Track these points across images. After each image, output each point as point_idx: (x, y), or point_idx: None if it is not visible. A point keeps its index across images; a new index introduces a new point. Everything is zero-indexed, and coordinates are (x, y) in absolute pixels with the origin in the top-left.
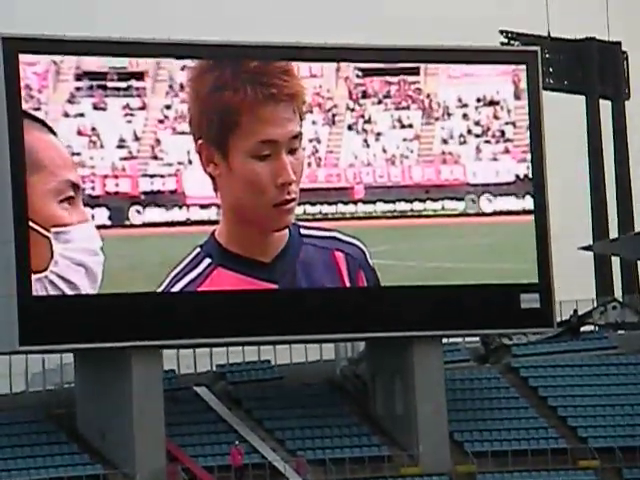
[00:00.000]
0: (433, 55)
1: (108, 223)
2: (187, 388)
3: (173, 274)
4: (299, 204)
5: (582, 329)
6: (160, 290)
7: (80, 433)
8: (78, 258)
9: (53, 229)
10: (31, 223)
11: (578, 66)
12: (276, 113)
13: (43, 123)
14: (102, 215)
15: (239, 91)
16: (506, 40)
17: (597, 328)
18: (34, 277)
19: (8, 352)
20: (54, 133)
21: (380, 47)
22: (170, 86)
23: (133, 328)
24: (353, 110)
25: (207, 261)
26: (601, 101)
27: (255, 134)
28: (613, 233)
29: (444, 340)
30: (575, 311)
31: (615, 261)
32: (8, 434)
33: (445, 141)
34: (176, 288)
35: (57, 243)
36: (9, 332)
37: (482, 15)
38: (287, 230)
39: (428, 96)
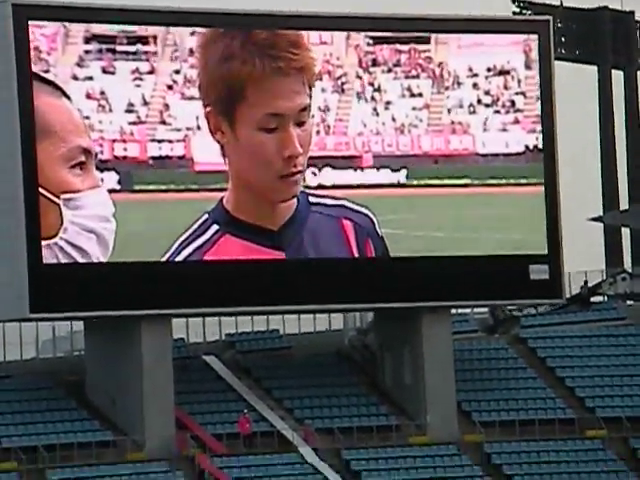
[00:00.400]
0: (444, 25)
1: (117, 187)
2: (196, 357)
3: (180, 240)
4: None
5: (592, 300)
6: (167, 257)
7: (90, 400)
8: (89, 225)
9: (63, 195)
10: (40, 189)
11: (590, 36)
12: (284, 86)
13: (56, 86)
14: (110, 179)
15: (247, 63)
16: (518, 9)
17: (606, 299)
18: (43, 243)
19: (19, 319)
20: (68, 97)
21: (390, 16)
22: (179, 51)
23: (143, 296)
24: (363, 78)
25: (214, 228)
26: (613, 71)
27: (262, 106)
28: (623, 204)
29: (452, 311)
30: (586, 282)
31: (625, 232)
32: (19, 400)
33: (455, 111)
34: (183, 254)
35: (67, 209)
36: (20, 299)
37: None
38: (295, 199)
39: (439, 65)
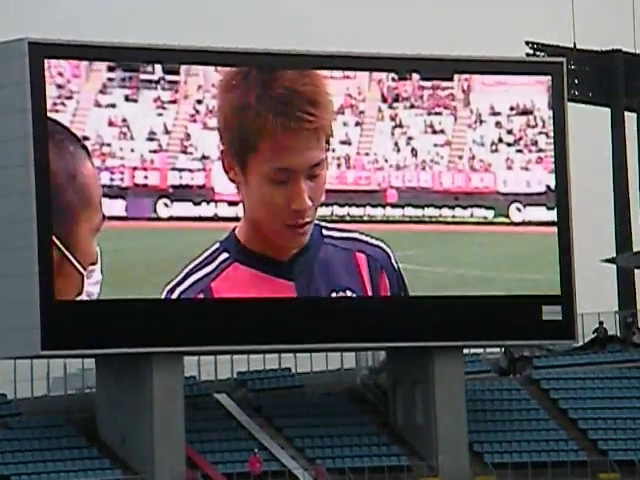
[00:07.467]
0: (456, 65)
1: (135, 215)
2: (207, 395)
3: (189, 267)
4: (326, 205)
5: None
6: (173, 284)
7: (100, 438)
8: (91, 290)
9: (89, 267)
10: (73, 261)
11: (603, 78)
12: (296, 142)
13: (82, 145)
14: (129, 207)
15: (261, 116)
16: (531, 51)
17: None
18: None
19: (30, 356)
20: (89, 153)
21: (409, 57)
22: (202, 81)
23: (155, 334)
24: (385, 113)
25: (224, 256)
26: (626, 113)
27: (273, 160)
28: (637, 246)
29: (465, 351)
30: (601, 323)
31: (638, 274)
32: (29, 438)
33: (476, 148)
34: (189, 281)
35: (86, 279)
36: (31, 336)
37: (508, 26)
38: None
39: (461, 102)
